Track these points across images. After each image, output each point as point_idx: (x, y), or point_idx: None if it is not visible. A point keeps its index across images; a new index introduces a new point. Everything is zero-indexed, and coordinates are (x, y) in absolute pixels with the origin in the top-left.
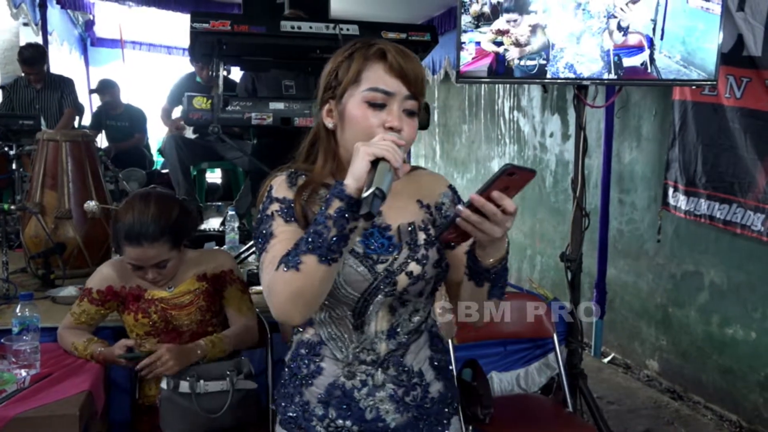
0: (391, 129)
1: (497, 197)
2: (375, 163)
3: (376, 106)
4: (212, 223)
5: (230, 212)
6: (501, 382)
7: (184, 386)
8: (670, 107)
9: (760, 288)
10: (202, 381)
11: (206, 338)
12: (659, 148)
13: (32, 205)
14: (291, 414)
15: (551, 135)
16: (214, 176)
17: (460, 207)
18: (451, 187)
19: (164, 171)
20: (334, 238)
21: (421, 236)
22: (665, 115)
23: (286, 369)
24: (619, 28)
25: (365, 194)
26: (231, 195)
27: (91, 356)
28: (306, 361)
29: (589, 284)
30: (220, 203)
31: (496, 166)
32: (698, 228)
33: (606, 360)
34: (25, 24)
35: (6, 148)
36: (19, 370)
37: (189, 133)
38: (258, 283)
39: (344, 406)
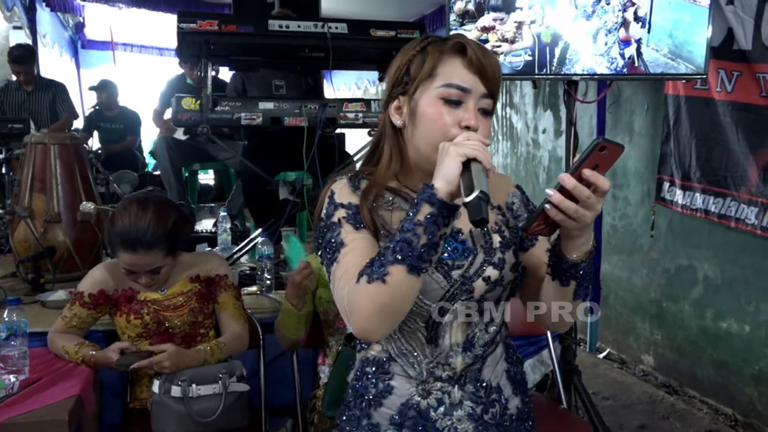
0: (467, 128)
1: (590, 176)
2: (465, 164)
3: (452, 103)
4: (204, 225)
5: (222, 213)
6: None
7: (176, 391)
8: (662, 102)
9: (754, 281)
10: (194, 385)
11: (206, 344)
12: (651, 142)
13: (21, 209)
14: None
15: (544, 131)
16: (206, 177)
17: (549, 191)
18: (519, 188)
19: (156, 173)
20: (425, 247)
21: (496, 239)
22: (657, 109)
23: (350, 390)
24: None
25: (468, 198)
26: (223, 196)
27: (82, 360)
28: (374, 380)
29: None
30: (212, 204)
31: None
32: (692, 222)
33: (601, 356)
34: (17, 27)
35: None
36: (8, 376)
37: (180, 134)
38: (250, 284)
39: (420, 428)
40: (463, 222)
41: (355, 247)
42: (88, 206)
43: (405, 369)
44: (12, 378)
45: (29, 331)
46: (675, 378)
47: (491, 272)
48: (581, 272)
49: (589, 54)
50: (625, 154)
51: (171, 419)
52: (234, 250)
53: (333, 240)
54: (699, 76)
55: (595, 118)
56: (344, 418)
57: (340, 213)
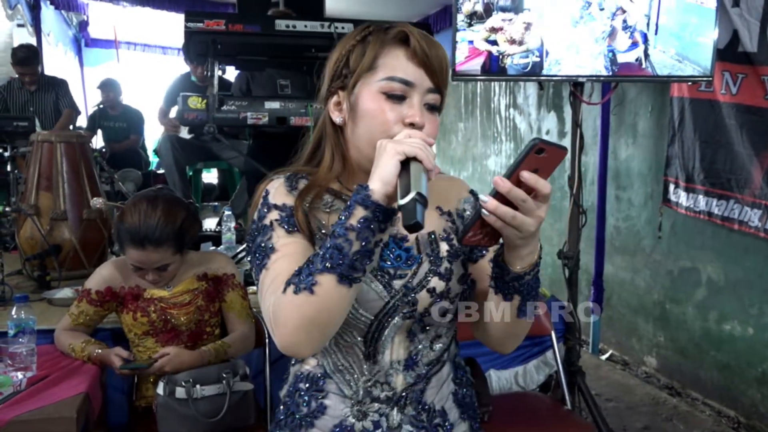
0: (411, 125)
1: (529, 179)
2: (404, 164)
3: (395, 98)
4: (209, 224)
5: (227, 212)
6: (499, 380)
7: (180, 392)
8: (667, 103)
9: (757, 284)
10: (198, 386)
11: (211, 345)
12: (655, 144)
13: (27, 207)
14: None
15: (547, 132)
16: (210, 176)
17: (483, 197)
18: (473, 192)
19: (160, 172)
20: (358, 254)
21: (444, 247)
22: (661, 111)
23: (282, 406)
24: (625, 27)
25: (404, 201)
26: (227, 195)
27: (88, 358)
28: (306, 398)
29: (587, 281)
30: (216, 203)
31: (492, 163)
32: (695, 224)
33: (604, 357)
34: (20, 25)
35: (0, 150)
36: (16, 373)
37: (184, 133)
38: (255, 283)
39: None
40: None
41: (287, 252)
42: (98, 202)
43: (340, 387)
44: (20, 375)
45: (36, 329)
46: (678, 380)
47: (436, 283)
48: (525, 286)
49: (595, 55)
50: (629, 155)
51: (176, 420)
52: (238, 249)
53: (263, 244)
54: (705, 79)
55: (599, 119)
56: None
57: (273, 215)
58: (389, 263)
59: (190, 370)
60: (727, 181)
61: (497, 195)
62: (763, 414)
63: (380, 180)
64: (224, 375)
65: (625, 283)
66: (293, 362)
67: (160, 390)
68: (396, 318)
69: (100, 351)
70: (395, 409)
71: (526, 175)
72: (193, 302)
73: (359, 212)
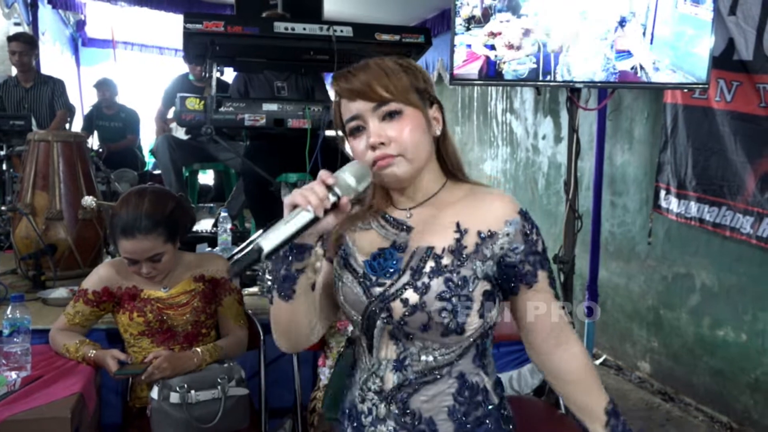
0: (373, 147)
1: None
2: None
3: (356, 131)
4: (204, 225)
5: (223, 214)
6: None
7: (175, 397)
8: (662, 110)
9: (750, 290)
10: (192, 391)
11: (203, 347)
12: (651, 150)
13: (23, 206)
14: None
15: (544, 137)
16: (206, 177)
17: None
18: (523, 213)
19: (156, 172)
20: (284, 278)
21: (429, 264)
22: (657, 117)
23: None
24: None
25: (241, 254)
26: (223, 196)
27: (82, 359)
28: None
29: (581, 286)
30: (212, 205)
31: (488, 168)
32: (689, 230)
33: (598, 362)
34: (17, 24)
35: None
36: (10, 373)
37: (180, 133)
38: (250, 285)
39: (355, 425)
40: (419, 240)
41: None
42: (89, 200)
43: (356, 371)
44: (14, 375)
45: (31, 328)
46: (671, 385)
47: (410, 295)
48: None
49: (592, 62)
50: (624, 161)
51: (171, 425)
52: (234, 251)
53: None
54: (701, 86)
55: (596, 125)
56: None
57: None
58: (373, 272)
59: (185, 375)
60: (720, 188)
61: None
62: (755, 420)
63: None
64: (219, 380)
65: (620, 288)
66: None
67: (154, 395)
68: (378, 321)
69: (95, 352)
70: (383, 403)
71: None
72: (190, 303)
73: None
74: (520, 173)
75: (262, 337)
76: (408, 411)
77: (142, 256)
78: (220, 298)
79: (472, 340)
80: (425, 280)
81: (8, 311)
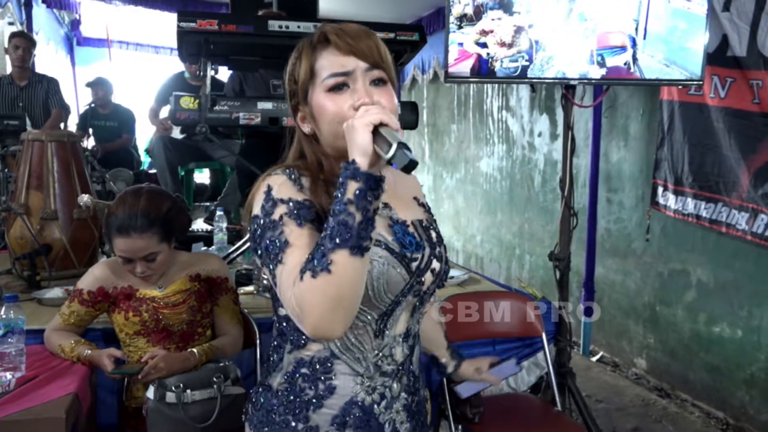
0: (356, 109)
1: None
2: (374, 132)
3: (338, 89)
4: (200, 224)
5: (218, 212)
6: None
7: (171, 397)
8: (657, 106)
9: (746, 286)
10: (188, 391)
11: (199, 347)
12: (646, 147)
13: (17, 206)
14: None
15: (539, 134)
16: (202, 176)
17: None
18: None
19: (152, 171)
20: (362, 224)
21: (432, 234)
22: (652, 114)
23: (275, 399)
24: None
25: (390, 153)
26: (219, 195)
27: (78, 359)
28: (312, 381)
29: (578, 283)
30: (208, 204)
31: (484, 165)
32: (685, 227)
33: (594, 358)
34: (11, 23)
35: None
36: (4, 373)
37: (176, 133)
38: (247, 284)
39: (364, 424)
40: (402, 215)
41: (300, 244)
42: (85, 198)
43: (350, 365)
44: (8, 375)
45: (25, 329)
46: (667, 381)
47: (436, 264)
48: None
49: (585, 58)
50: (620, 158)
51: (167, 425)
52: (230, 250)
53: (275, 240)
54: (695, 82)
55: (591, 122)
56: (266, 429)
57: (281, 209)
58: (407, 249)
59: (181, 375)
60: (716, 184)
61: None
62: (751, 415)
63: (360, 152)
64: (215, 380)
65: (616, 284)
66: (289, 350)
67: (150, 394)
68: (409, 296)
69: (90, 352)
70: (395, 380)
71: None
72: (186, 303)
73: (352, 186)
74: (516, 170)
75: (258, 335)
76: (413, 375)
77: (137, 255)
78: (215, 298)
79: None
80: (438, 248)
81: (2, 311)
